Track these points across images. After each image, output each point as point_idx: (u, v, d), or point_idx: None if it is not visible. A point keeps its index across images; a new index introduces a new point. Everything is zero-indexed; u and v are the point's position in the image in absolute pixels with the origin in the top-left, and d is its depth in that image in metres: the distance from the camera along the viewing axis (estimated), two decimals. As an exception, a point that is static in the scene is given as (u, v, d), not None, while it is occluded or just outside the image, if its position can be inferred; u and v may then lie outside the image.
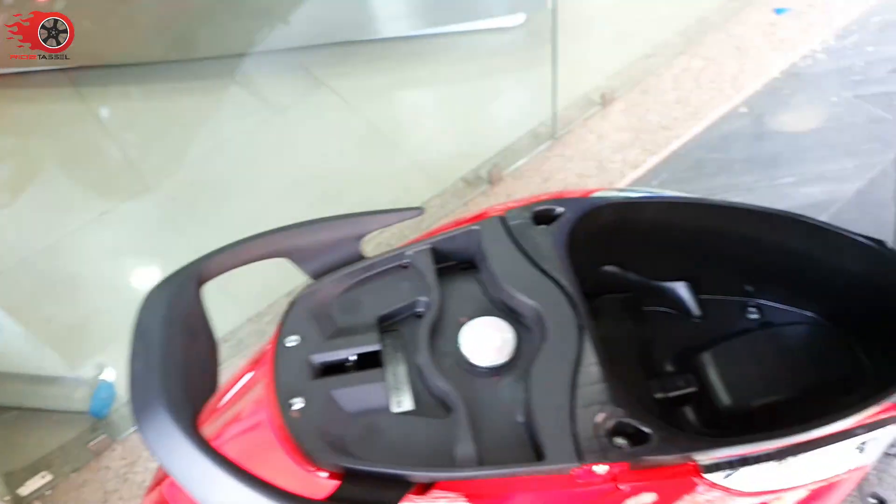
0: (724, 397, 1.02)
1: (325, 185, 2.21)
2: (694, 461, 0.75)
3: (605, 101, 2.29)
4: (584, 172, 2.15)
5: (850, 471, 0.84)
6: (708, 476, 0.74)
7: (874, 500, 1.09)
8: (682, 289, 1.13)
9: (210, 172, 2.37)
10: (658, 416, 1.01)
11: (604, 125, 2.27)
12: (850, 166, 2.12)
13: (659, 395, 1.03)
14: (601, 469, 0.73)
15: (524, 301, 0.85)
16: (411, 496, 0.73)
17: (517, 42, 2.62)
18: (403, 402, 0.82)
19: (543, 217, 0.93)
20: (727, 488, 0.75)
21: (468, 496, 0.74)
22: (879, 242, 1.00)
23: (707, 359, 1.06)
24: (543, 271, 0.87)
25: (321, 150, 2.38)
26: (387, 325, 0.88)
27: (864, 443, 0.82)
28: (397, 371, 0.84)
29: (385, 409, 0.79)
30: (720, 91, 2.33)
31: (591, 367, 0.78)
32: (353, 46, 2.64)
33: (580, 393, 0.76)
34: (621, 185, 2.10)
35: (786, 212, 1.01)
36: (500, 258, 0.89)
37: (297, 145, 2.41)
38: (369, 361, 0.83)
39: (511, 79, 2.54)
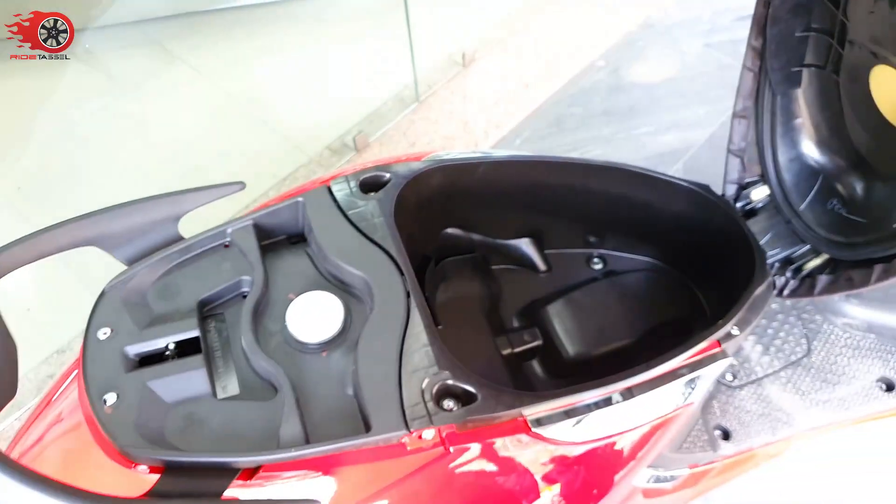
0: (567, 348, 1.05)
1: (186, 163, 2.10)
2: (523, 416, 0.76)
3: (467, 61, 2.29)
4: (449, 134, 2.15)
5: (679, 409, 0.88)
6: (537, 430, 0.75)
7: (719, 432, 1.16)
8: (526, 245, 1.15)
9: (58, 158, 2.20)
10: (507, 373, 1.04)
11: (467, 86, 2.26)
12: (702, 113, 2.22)
13: (507, 352, 1.04)
14: (429, 434, 0.72)
15: (351, 271, 0.83)
16: (239, 483, 0.71)
17: (370, 5, 2.56)
18: (228, 387, 0.78)
19: (370, 185, 0.91)
20: (557, 440, 0.77)
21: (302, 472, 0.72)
22: (704, 187, 1.05)
23: (552, 311, 1.08)
24: (371, 240, 0.85)
25: (179, 127, 2.25)
26: (209, 309, 0.84)
27: (692, 381, 0.86)
28: (221, 355, 0.81)
29: (208, 397, 0.76)
30: (578, 47, 2.37)
31: (418, 331, 0.78)
32: (204, 17, 2.50)
33: (407, 360, 0.76)
34: (486, 144, 2.12)
35: (614, 163, 1.04)
36: (326, 229, 0.86)
37: (153, 123, 2.27)
38: (192, 348, 0.79)
39: (369, 43, 2.49)
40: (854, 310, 1.28)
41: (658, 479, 1.08)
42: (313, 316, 0.81)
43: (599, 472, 0.86)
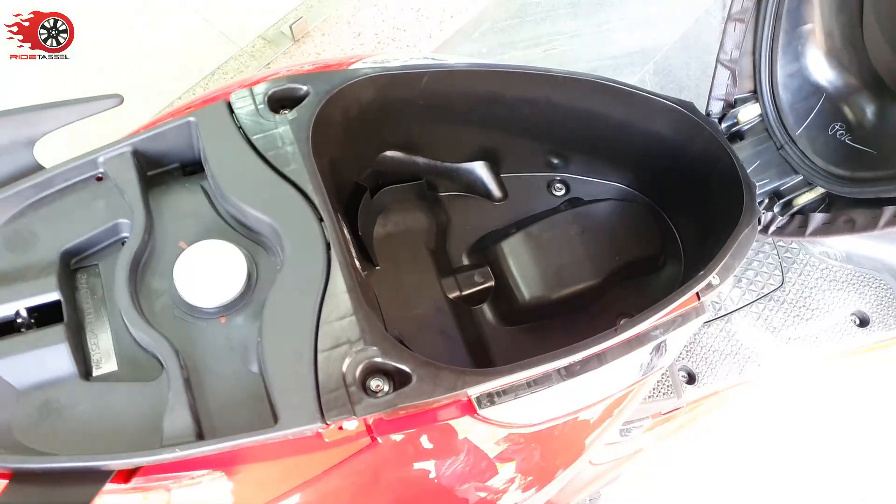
0: (523, 290, 0.91)
1: (99, 60, 1.81)
2: (468, 396, 0.63)
3: (419, -63, 2.00)
4: (400, 25, 1.90)
5: (648, 375, 0.76)
6: (484, 412, 0.63)
7: (684, 374, 1.07)
8: (479, 169, 0.98)
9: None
10: (454, 320, 0.90)
11: (419, -33, 1.99)
12: (675, 7, 2.01)
13: (454, 295, 0.90)
14: (351, 425, 0.59)
15: (256, 215, 0.66)
16: (112, 487, 0.57)
17: None
18: (103, 363, 0.63)
19: (282, 101, 0.72)
20: (508, 423, 0.65)
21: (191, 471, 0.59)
22: (687, 105, 0.89)
23: (506, 248, 0.93)
24: (281, 174, 0.67)
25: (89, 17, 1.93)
26: (78, 261, 0.67)
27: (663, 343, 0.73)
28: (94, 323, 0.64)
29: (72, 378, 0.60)
30: (545, -76, 2.10)
31: (340, 295, 0.62)
32: None
33: (324, 331, 0.61)
34: (440, 36, 1.88)
35: (584, 75, 0.86)
36: (224, 159, 0.68)
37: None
38: (53, 315, 0.62)
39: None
40: (835, 238, 1.18)
41: (620, 432, 0.99)
42: (208, 272, 0.64)
43: (561, 447, 0.75)
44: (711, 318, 1.15)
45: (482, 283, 0.91)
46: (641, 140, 0.95)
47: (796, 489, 1.34)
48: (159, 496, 0.57)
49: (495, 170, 0.99)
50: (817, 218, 0.85)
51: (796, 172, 0.89)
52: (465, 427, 0.64)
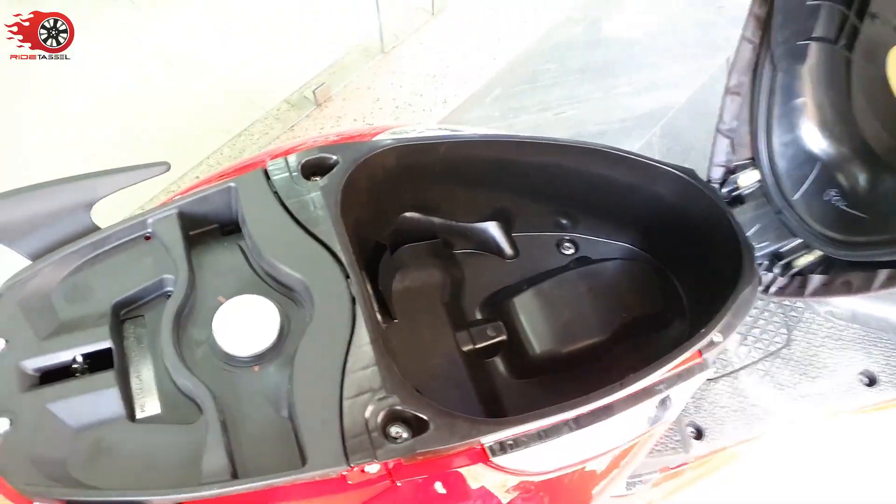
0: (534, 344, 0.96)
1: (121, 125, 1.91)
2: (481, 444, 0.67)
3: (436, 9, 2.13)
4: (416, 90, 2.00)
5: (655, 427, 0.80)
6: (497, 459, 0.67)
7: (692, 430, 1.10)
8: (492, 229, 1.04)
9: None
10: (467, 372, 0.94)
11: (435, 37, 2.11)
12: (681, 72, 2.10)
13: (468, 348, 0.95)
14: (373, 468, 0.63)
15: (288, 272, 0.72)
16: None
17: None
18: (147, 406, 0.68)
19: (314, 168, 0.79)
20: (520, 471, 0.69)
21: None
22: (689, 172, 0.95)
23: (518, 304, 0.99)
24: (312, 235, 0.74)
25: (111, 83, 2.03)
26: (127, 312, 0.73)
27: (668, 398, 0.77)
28: (139, 369, 0.70)
29: (120, 420, 0.65)
30: (554, -3, 2.22)
31: (364, 347, 0.68)
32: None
33: (349, 380, 0.66)
34: (454, 102, 1.98)
35: (591, 145, 0.93)
36: (261, 221, 0.75)
37: (76, 81, 2.04)
38: (105, 361, 0.68)
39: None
40: (838, 298, 1.21)
41: (626, 485, 1.01)
42: (244, 324, 0.70)
43: (569, 496, 0.79)
44: (719, 375, 1.19)
45: (495, 337, 0.96)
46: (646, 203, 1.01)
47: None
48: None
49: (507, 229, 1.05)
50: (816, 279, 0.90)
51: (795, 235, 0.94)
52: (477, 473, 0.68)
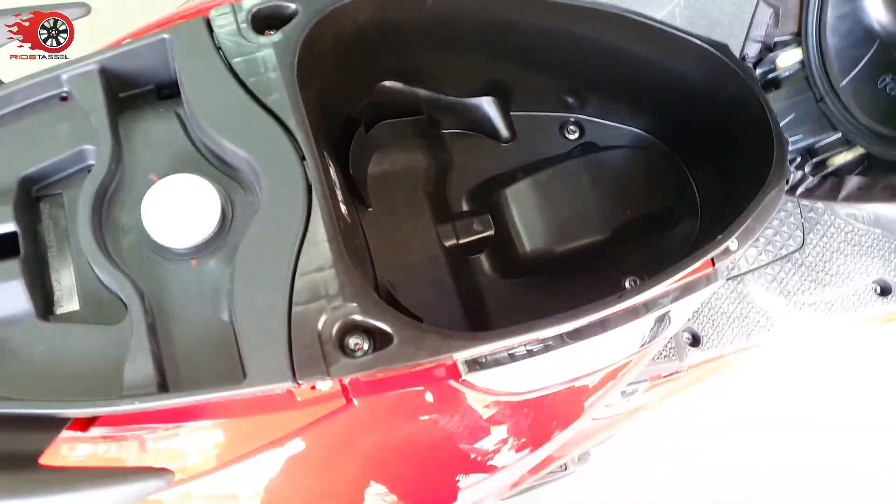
0: (524, 242, 0.85)
1: None
2: (452, 360, 0.59)
3: None
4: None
5: (648, 347, 0.71)
6: (470, 377, 0.58)
7: (688, 336, 1.02)
8: (487, 105, 0.90)
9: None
10: (448, 269, 0.85)
11: None
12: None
13: (450, 243, 0.85)
14: (325, 385, 0.55)
15: (232, 149, 0.60)
16: (69, 434, 0.53)
17: None
18: (65, 301, 0.58)
19: (267, 20, 0.65)
20: (496, 391, 0.60)
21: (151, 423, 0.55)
22: (721, 48, 0.81)
23: (510, 195, 0.87)
24: (262, 104, 0.61)
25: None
26: (41, 188, 0.61)
27: (668, 312, 0.68)
28: (57, 257, 0.59)
29: (28, 317, 0.56)
30: None
31: (320, 245, 0.57)
32: None
33: (301, 283, 0.56)
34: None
35: (613, 7, 0.78)
36: (201, 85, 0.61)
37: None
38: (12, 248, 0.57)
39: None
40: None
41: (622, 393, 0.94)
42: (178, 210, 0.58)
43: (558, 410, 0.71)
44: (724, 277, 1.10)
45: (481, 232, 0.85)
46: (667, 82, 0.87)
47: (795, 460, 1.31)
48: (119, 445, 0.54)
49: (504, 107, 0.91)
50: (853, 181, 0.78)
51: (835, 129, 0.82)
52: (446, 392, 0.59)
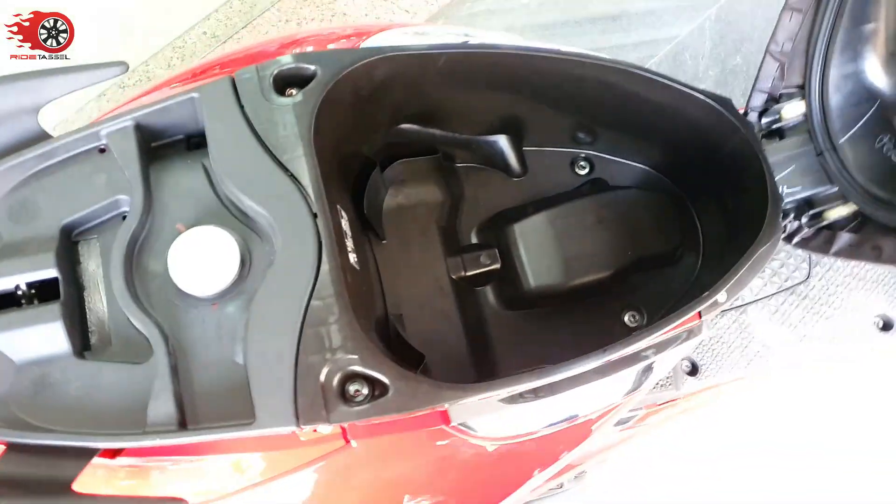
0: (529, 277, 0.90)
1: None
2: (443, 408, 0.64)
3: None
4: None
5: (629, 396, 0.76)
6: (460, 424, 0.64)
7: (686, 365, 1.06)
8: (500, 142, 0.94)
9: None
10: (455, 300, 0.89)
11: None
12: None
13: (457, 275, 0.90)
14: (326, 429, 0.61)
15: (250, 204, 0.65)
16: (101, 461, 0.60)
17: None
18: (99, 340, 0.65)
19: (288, 80, 0.70)
20: (484, 436, 0.66)
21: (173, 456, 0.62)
22: (724, 102, 0.83)
23: (518, 231, 0.91)
24: (279, 163, 0.66)
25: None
26: (79, 234, 0.68)
27: (652, 364, 0.72)
28: (93, 298, 0.66)
29: (66, 356, 0.63)
30: None
31: (328, 298, 0.62)
32: None
33: (308, 334, 0.61)
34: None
35: (620, 63, 0.81)
36: (224, 142, 0.67)
37: None
38: (52, 291, 0.64)
39: None
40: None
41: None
42: (201, 260, 0.65)
43: (536, 455, 0.76)
44: (726, 308, 1.13)
45: (488, 266, 0.90)
46: (674, 126, 0.90)
47: (788, 487, 1.34)
48: (141, 474, 0.61)
49: (517, 143, 0.95)
50: (844, 238, 0.81)
51: (832, 183, 0.84)
52: (437, 437, 0.65)
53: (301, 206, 0.65)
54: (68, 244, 0.66)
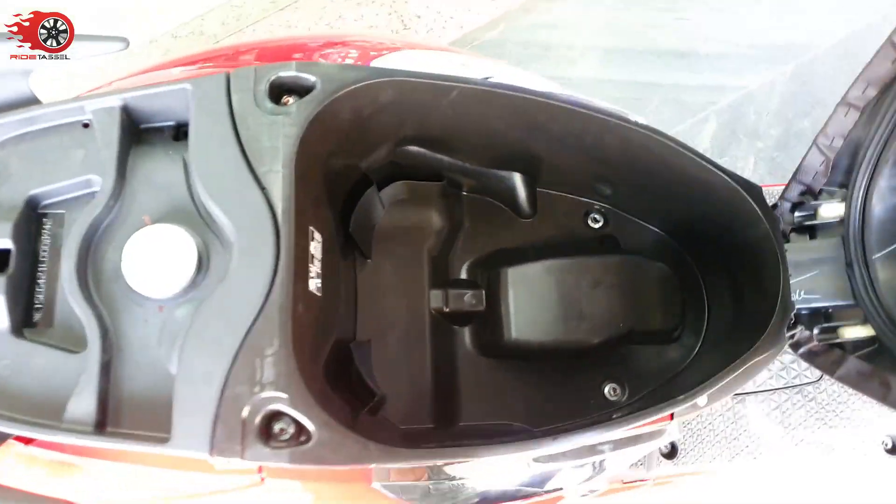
0: (511, 329, 0.85)
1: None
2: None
3: None
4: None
5: (568, 491, 0.71)
6: (383, 488, 0.60)
7: (666, 446, 1.00)
8: (514, 179, 0.89)
9: None
10: (429, 333, 0.85)
11: None
12: (837, 6, 1.71)
13: (436, 307, 0.85)
14: (239, 463, 0.58)
15: (216, 212, 0.63)
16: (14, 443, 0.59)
17: None
18: (41, 321, 0.64)
19: (284, 89, 0.66)
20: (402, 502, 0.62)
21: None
22: (752, 191, 0.76)
23: (511, 277, 0.87)
24: (255, 174, 0.63)
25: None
26: (47, 206, 0.66)
27: (604, 461, 0.67)
28: (45, 275, 0.65)
29: (4, 330, 0.61)
30: None
31: (272, 326, 0.59)
32: None
33: (242, 361, 0.58)
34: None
35: (647, 129, 0.76)
36: (204, 143, 0.64)
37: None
38: (2, 261, 0.63)
39: None
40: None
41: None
42: (156, 258, 0.62)
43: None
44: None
45: (471, 307, 0.85)
46: (698, 203, 0.84)
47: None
48: (47, 469, 0.59)
49: (531, 183, 0.90)
50: (853, 364, 0.74)
51: (855, 300, 0.77)
52: (356, 491, 0.62)
53: (266, 223, 0.62)
54: (33, 215, 0.65)
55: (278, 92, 0.66)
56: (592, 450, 0.66)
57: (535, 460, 0.63)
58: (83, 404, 0.58)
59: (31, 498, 0.60)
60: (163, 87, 0.65)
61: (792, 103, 1.59)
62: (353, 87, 0.67)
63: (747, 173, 1.55)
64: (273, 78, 0.66)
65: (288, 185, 0.62)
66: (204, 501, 0.61)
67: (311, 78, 0.66)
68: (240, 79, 0.66)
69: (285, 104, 0.66)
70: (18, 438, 0.59)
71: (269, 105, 0.65)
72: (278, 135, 0.64)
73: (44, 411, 0.59)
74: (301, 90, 0.67)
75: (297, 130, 0.64)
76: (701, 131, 1.57)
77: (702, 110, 1.55)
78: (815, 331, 0.79)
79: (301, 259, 0.63)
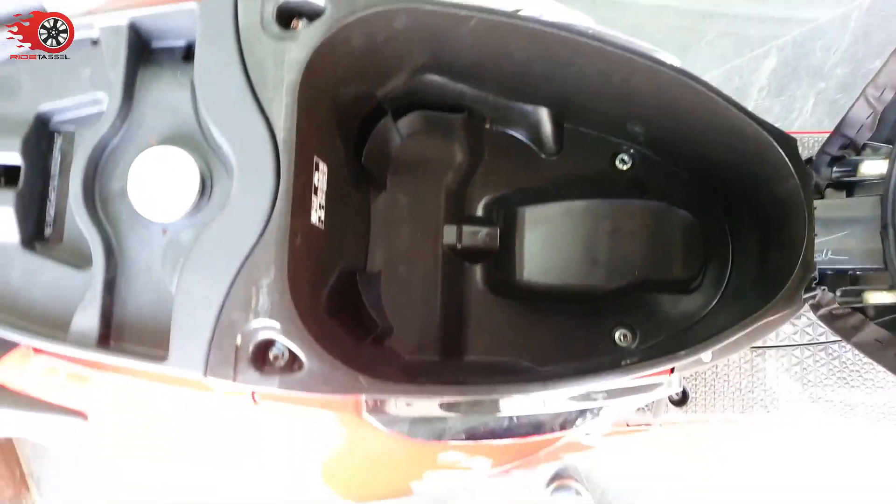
0: (523, 270, 0.84)
1: None
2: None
3: None
4: None
5: (561, 434, 0.71)
6: (368, 416, 0.61)
7: (678, 392, 0.99)
8: (540, 114, 0.86)
9: None
10: (440, 269, 0.85)
11: None
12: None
13: (448, 243, 0.84)
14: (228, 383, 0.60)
15: (219, 137, 0.62)
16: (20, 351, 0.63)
17: None
18: (51, 236, 0.66)
19: (293, 13, 0.64)
20: (395, 434, 0.63)
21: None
22: (786, 143, 0.72)
23: (527, 216, 0.85)
24: (258, 99, 0.62)
25: None
26: (60, 125, 0.67)
27: (600, 409, 0.67)
28: (57, 192, 0.66)
29: (12, 245, 0.63)
30: None
31: (269, 254, 0.60)
32: None
33: (239, 287, 0.59)
34: None
35: (679, 71, 0.71)
36: (209, 66, 0.63)
37: None
38: (15, 177, 0.64)
39: None
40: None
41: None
42: (160, 184, 0.63)
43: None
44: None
45: (484, 245, 0.84)
46: (727, 150, 0.79)
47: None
48: (53, 379, 0.63)
49: (559, 119, 0.87)
50: (871, 330, 0.71)
51: (884, 265, 0.73)
52: (347, 419, 0.63)
53: (267, 152, 0.61)
54: (44, 131, 0.66)
55: (287, 15, 0.64)
56: (586, 396, 0.65)
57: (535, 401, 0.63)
58: (87, 319, 0.60)
59: (45, 406, 0.64)
60: (171, 5, 0.64)
61: (864, 41, 1.47)
62: (364, 13, 0.64)
63: (804, 116, 1.46)
64: (281, 1, 0.63)
65: (290, 114, 0.61)
66: (201, 413, 0.63)
67: (321, 2, 0.64)
68: (248, 0, 0.63)
69: (294, 28, 0.64)
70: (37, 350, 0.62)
71: (276, 29, 0.63)
72: (283, 61, 0.62)
73: (51, 323, 0.62)
74: (311, 13, 0.64)
75: (303, 56, 0.62)
76: (758, 67, 1.47)
77: (762, 45, 1.45)
78: (837, 293, 0.76)
79: (302, 190, 0.63)
